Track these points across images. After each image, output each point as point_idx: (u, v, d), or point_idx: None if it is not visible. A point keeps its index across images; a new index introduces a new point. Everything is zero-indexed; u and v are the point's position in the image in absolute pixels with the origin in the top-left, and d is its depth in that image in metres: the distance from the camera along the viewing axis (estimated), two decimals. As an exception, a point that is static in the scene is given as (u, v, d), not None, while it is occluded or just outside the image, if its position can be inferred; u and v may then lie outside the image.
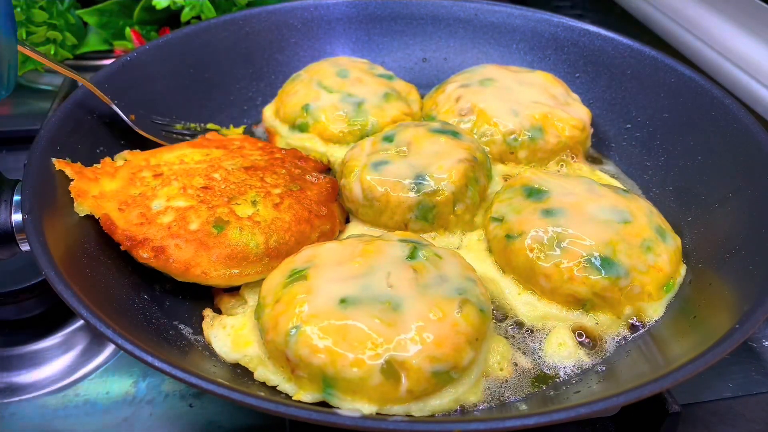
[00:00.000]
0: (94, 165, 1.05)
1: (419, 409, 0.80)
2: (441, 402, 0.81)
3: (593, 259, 0.93)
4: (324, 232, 1.03)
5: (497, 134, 1.20)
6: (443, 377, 0.80)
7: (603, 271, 0.93)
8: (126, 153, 1.10)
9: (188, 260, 0.93)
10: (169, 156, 1.10)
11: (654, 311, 0.96)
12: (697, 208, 1.10)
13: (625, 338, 0.95)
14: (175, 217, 0.97)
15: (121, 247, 0.95)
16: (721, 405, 0.94)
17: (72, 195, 0.97)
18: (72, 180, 0.98)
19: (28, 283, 1.03)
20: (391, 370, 0.77)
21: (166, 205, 0.99)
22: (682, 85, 1.23)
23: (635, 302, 0.95)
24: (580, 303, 0.95)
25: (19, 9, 1.48)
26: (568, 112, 1.23)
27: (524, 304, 0.98)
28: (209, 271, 0.93)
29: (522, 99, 1.24)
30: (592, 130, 1.26)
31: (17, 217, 0.90)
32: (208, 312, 0.94)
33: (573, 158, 1.23)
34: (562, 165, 1.22)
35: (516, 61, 1.47)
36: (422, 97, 1.40)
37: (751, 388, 0.96)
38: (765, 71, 1.58)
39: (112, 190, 1.01)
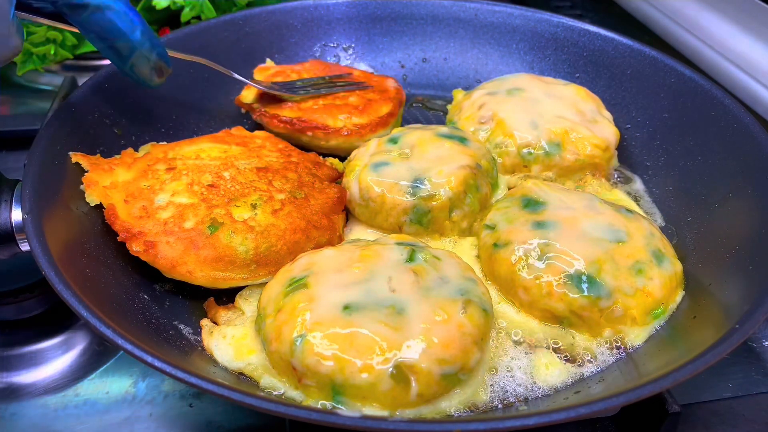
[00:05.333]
0: (114, 156, 1.08)
1: (429, 412, 0.80)
2: (450, 404, 0.81)
3: (575, 277, 0.91)
4: (320, 243, 1.01)
5: (512, 146, 1.18)
6: (452, 379, 0.80)
7: (584, 290, 0.90)
8: (149, 145, 1.13)
9: (176, 258, 0.94)
10: (188, 150, 1.12)
11: (636, 336, 0.92)
12: (697, 208, 1.10)
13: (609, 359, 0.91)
14: (174, 214, 0.98)
15: (117, 238, 0.96)
16: (721, 405, 0.94)
17: (83, 185, 1.00)
18: (86, 172, 1.02)
19: (28, 283, 1.03)
20: (400, 374, 0.77)
21: (169, 200, 1.00)
22: (682, 85, 1.23)
23: (616, 325, 0.91)
24: (558, 320, 0.93)
25: (19, 9, 1.48)
26: (592, 130, 1.19)
27: (502, 314, 0.95)
28: (194, 271, 0.94)
29: (546, 112, 1.21)
30: (616, 152, 1.22)
31: (17, 217, 0.90)
32: (205, 322, 0.93)
33: (594, 175, 1.19)
34: (579, 180, 1.19)
35: (516, 61, 1.47)
36: (428, 98, 1.46)
37: (751, 388, 0.96)
38: (765, 71, 1.58)
39: (125, 181, 1.04)
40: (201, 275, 0.94)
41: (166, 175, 1.05)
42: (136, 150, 1.13)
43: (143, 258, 0.95)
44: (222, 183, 1.03)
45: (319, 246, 1.00)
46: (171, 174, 1.05)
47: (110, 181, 1.02)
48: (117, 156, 1.09)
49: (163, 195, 1.01)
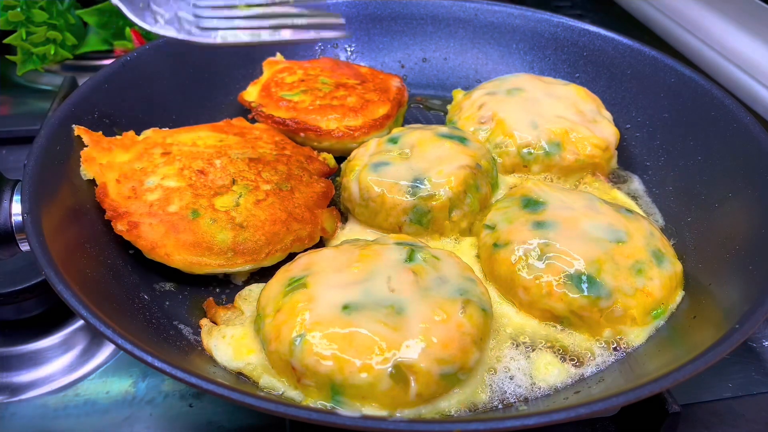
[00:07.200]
0: (115, 136, 1.11)
1: (428, 412, 0.80)
2: (449, 404, 0.81)
3: (575, 277, 0.91)
4: (300, 236, 1.02)
5: (512, 146, 1.18)
6: (451, 379, 0.80)
7: (583, 290, 0.90)
8: (150, 130, 1.15)
9: (156, 240, 0.96)
10: (186, 136, 1.14)
11: (636, 336, 0.92)
12: (697, 208, 1.10)
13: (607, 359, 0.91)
14: (160, 197, 1.00)
15: (105, 216, 0.98)
16: (721, 405, 0.94)
17: (81, 160, 1.03)
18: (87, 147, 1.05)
19: (28, 283, 1.03)
20: (399, 374, 0.77)
21: (158, 183, 1.02)
22: (682, 85, 1.23)
23: (616, 325, 0.91)
24: (558, 320, 0.93)
25: (19, 9, 1.48)
26: (592, 130, 1.19)
27: (502, 314, 0.95)
28: (172, 254, 0.96)
29: (546, 112, 1.21)
30: (616, 152, 1.22)
31: (17, 217, 0.90)
32: (205, 322, 0.93)
33: (594, 175, 1.19)
34: (579, 180, 1.19)
35: (516, 61, 1.47)
36: (428, 98, 1.46)
37: (751, 388, 0.96)
38: (765, 71, 1.58)
39: (121, 162, 1.06)
40: (178, 258, 0.96)
41: (160, 159, 1.07)
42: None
43: (126, 237, 0.97)
44: (211, 170, 1.05)
45: (299, 239, 1.01)
46: (165, 158, 1.07)
47: (107, 160, 1.05)
48: (118, 136, 1.11)
49: (153, 177, 1.03)
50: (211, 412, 0.92)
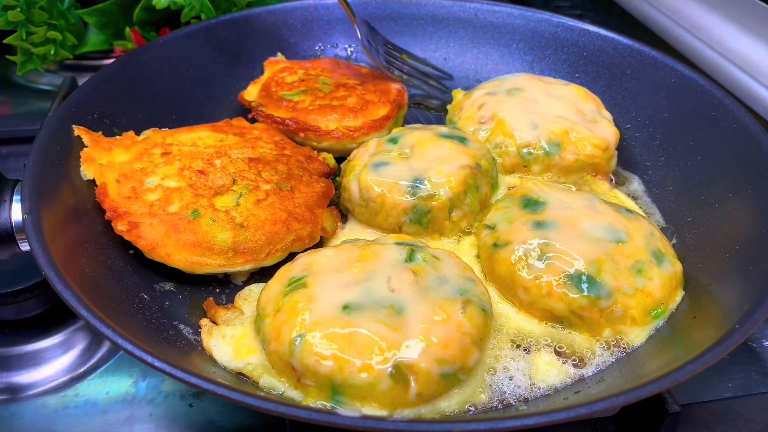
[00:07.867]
0: (116, 137, 1.11)
1: (428, 412, 0.80)
2: (449, 404, 0.81)
3: (575, 276, 0.91)
4: (300, 236, 1.02)
5: (512, 146, 1.18)
6: (451, 379, 0.80)
7: (583, 290, 0.90)
8: (150, 130, 1.16)
9: (156, 240, 0.96)
10: (186, 137, 1.14)
11: (636, 336, 0.91)
12: (697, 208, 1.10)
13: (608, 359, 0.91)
14: (160, 197, 1.01)
15: (105, 216, 0.98)
16: (721, 405, 0.94)
17: (81, 160, 1.03)
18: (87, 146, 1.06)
19: (28, 283, 1.03)
20: (399, 374, 0.77)
21: (158, 183, 1.03)
22: (682, 85, 1.23)
23: (616, 325, 0.91)
24: (558, 320, 0.93)
25: (19, 9, 1.48)
26: (592, 130, 1.19)
27: (502, 314, 0.95)
28: (173, 254, 0.96)
29: (545, 112, 1.21)
30: (616, 152, 1.22)
31: (17, 217, 0.90)
32: (205, 322, 0.93)
33: (594, 175, 1.19)
34: (579, 180, 1.19)
35: (516, 61, 1.47)
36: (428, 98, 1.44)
37: (751, 388, 0.96)
38: (765, 71, 1.58)
39: (121, 162, 1.07)
40: (179, 258, 0.96)
41: (160, 159, 1.07)
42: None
43: (126, 237, 0.97)
44: (211, 170, 1.06)
45: (299, 239, 1.01)
46: (165, 158, 1.07)
47: (107, 160, 1.05)
48: (118, 137, 1.12)
49: (153, 178, 1.04)
50: (211, 412, 0.92)
